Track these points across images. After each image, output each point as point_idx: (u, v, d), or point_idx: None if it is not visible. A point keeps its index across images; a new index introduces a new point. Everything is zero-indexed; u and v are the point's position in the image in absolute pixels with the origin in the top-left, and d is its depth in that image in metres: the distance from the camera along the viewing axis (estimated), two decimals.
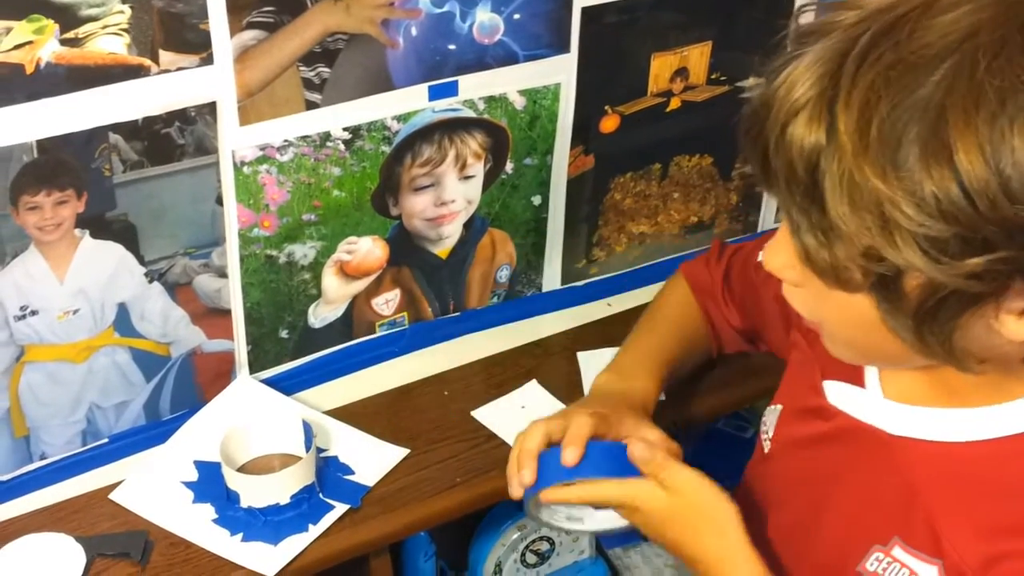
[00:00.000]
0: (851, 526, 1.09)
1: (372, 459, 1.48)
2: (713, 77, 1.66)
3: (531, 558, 1.74)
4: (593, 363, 1.64)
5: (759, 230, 1.87)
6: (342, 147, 1.43)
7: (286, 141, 1.39)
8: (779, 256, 0.97)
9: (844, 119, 0.83)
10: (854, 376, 1.09)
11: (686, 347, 1.47)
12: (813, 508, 1.14)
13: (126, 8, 1.21)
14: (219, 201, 1.39)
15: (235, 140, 1.35)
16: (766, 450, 1.25)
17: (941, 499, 1.00)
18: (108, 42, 1.21)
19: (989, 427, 0.98)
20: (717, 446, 1.95)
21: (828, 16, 0.89)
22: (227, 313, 1.49)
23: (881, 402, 1.06)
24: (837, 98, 0.84)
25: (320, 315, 1.57)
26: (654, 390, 1.37)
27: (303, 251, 1.49)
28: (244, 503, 1.38)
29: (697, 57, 1.62)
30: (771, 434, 1.25)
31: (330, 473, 1.45)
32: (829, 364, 1.09)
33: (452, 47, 1.43)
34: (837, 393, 1.11)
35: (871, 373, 1.08)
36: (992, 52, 0.80)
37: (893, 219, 0.82)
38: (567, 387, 1.61)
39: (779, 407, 1.24)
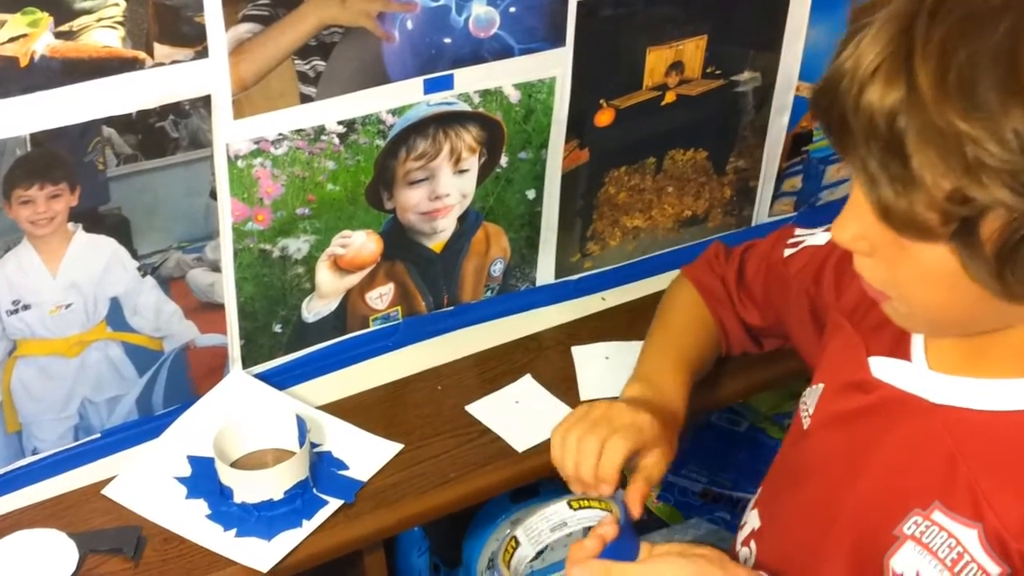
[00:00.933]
0: (890, 489, 1.11)
1: (366, 454, 1.48)
2: (708, 71, 1.65)
3: None
4: (587, 357, 1.64)
5: (753, 224, 1.87)
6: (336, 141, 1.42)
7: (280, 135, 1.38)
8: (849, 228, 0.99)
9: (923, 71, 0.87)
10: (900, 351, 1.13)
11: (703, 350, 1.49)
12: (851, 473, 1.16)
13: (121, 1, 1.20)
14: (213, 195, 1.39)
15: (229, 134, 1.35)
16: (805, 427, 1.27)
17: (982, 465, 1.03)
18: (103, 35, 1.20)
19: None
20: (711, 440, 1.95)
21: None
22: (220, 307, 1.48)
23: (926, 372, 1.09)
24: (914, 52, 0.88)
25: (314, 309, 1.56)
26: (683, 397, 1.39)
27: (297, 245, 1.48)
28: (237, 498, 1.38)
29: (692, 51, 1.61)
30: (811, 411, 1.26)
31: (324, 468, 1.45)
32: (874, 342, 1.15)
33: (447, 41, 1.42)
34: (882, 367, 1.13)
35: (916, 347, 1.11)
36: None
37: (977, 158, 0.85)
38: (561, 381, 1.60)
39: (821, 386, 1.26)
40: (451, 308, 1.69)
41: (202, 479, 1.41)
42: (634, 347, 1.59)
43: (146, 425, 1.48)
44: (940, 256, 0.93)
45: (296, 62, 1.34)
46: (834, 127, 0.94)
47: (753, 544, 1.31)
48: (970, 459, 1.04)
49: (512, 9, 1.44)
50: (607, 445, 1.25)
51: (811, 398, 1.27)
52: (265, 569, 1.32)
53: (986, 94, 0.85)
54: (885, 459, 1.13)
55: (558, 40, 1.50)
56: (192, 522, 1.37)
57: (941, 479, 1.06)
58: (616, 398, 1.37)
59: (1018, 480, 1.01)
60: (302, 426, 1.42)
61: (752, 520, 1.32)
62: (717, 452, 1.93)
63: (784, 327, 1.44)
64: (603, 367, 1.62)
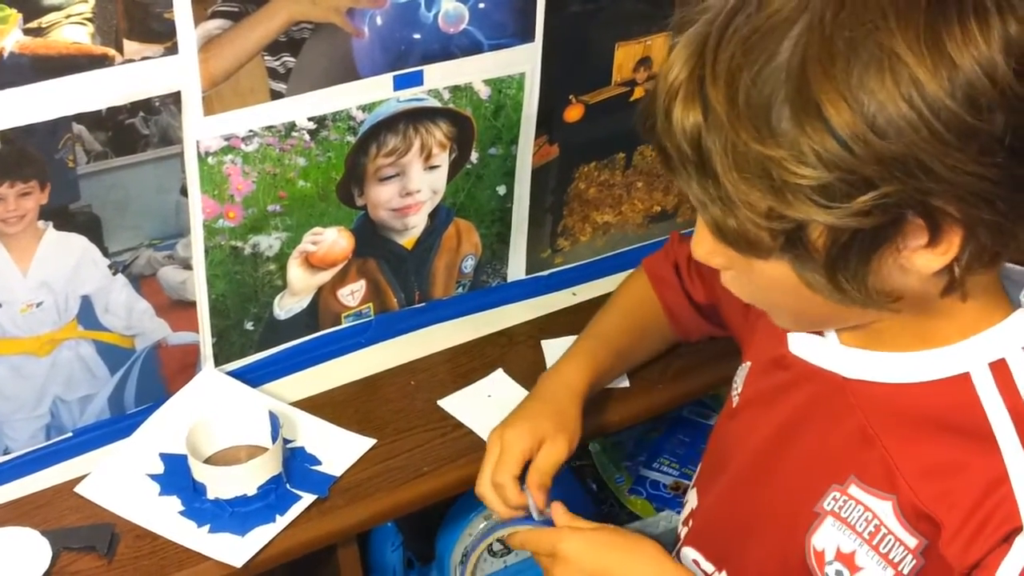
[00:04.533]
0: (810, 467, 1.13)
1: (339, 449, 1.48)
2: None
3: (497, 547, 1.74)
4: (558, 351, 1.64)
5: None
6: (307, 137, 1.42)
7: (251, 131, 1.38)
8: (703, 244, 1.01)
9: (714, 94, 0.89)
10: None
11: (637, 334, 1.51)
12: (775, 452, 1.18)
13: None
14: (184, 192, 1.38)
15: (200, 130, 1.35)
16: (734, 405, 1.29)
17: (892, 437, 1.05)
18: (72, 31, 1.20)
19: (932, 369, 1.02)
20: (682, 432, 1.96)
21: (700, 5, 0.95)
22: (192, 305, 1.48)
23: (837, 347, 1.10)
24: (704, 75, 0.90)
25: (286, 306, 1.56)
26: (583, 380, 1.43)
27: (268, 242, 1.48)
28: (211, 495, 1.38)
29: (660, 46, 1.62)
30: (740, 390, 1.29)
31: (297, 464, 1.45)
32: None
33: (417, 36, 1.42)
34: (798, 342, 1.14)
35: None
36: (834, 7, 0.86)
37: (780, 178, 0.87)
38: (533, 376, 1.59)
39: (748, 364, 1.29)
40: (423, 304, 1.69)
41: (175, 476, 1.41)
42: None
43: (118, 423, 1.48)
44: (780, 267, 0.95)
45: (266, 58, 1.34)
46: (655, 147, 0.97)
47: (692, 523, 1.33)
48: (880, 432, 1.06)
49: (481, 5, 1.44)
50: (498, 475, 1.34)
51: (740, 376, 1.29)
52: (239, 564, 1.32)
53: (779, 114, 0.86)
54: (803, 436, 1.15)
55: (527, 36, 1.51)
56: (165, 519, 1.37)
57: (855, 453, 1.08)
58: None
59: (924, 450, 1.03)
60: (275, 422, 1.42)
61: (691, 499, 1.35)
62: (688, 445, 1.94)
63: (720, 307, 1.45)
64: None
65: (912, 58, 0.84)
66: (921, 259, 0.91)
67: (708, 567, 1.28)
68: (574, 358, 1.46)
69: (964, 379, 1.01)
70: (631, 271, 1.58)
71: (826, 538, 1.11)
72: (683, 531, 1.34)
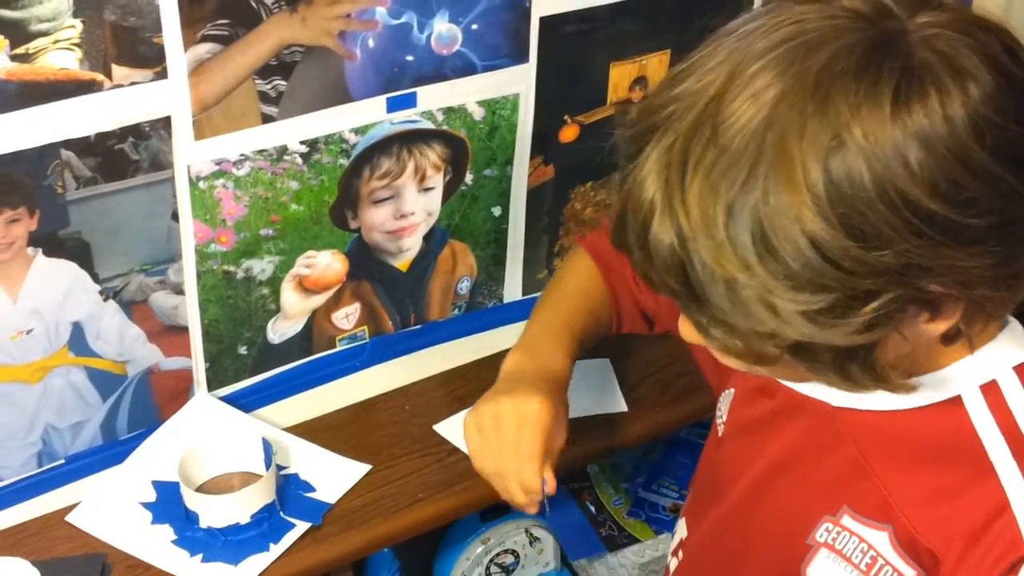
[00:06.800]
0: (800, 498, 1.12)
1: (333, 476, 1.47)
2: None
3: (496, 571, 1.73)
4: None
5: None
6: (299, 161, 1.41)
7: (242, 155, 1.37)
8: (693, 337, 0.98)
9: (689, 228, 0.86)
10: None
11: (592, 321, 1.43)
12: (764, 484, 1.17)
13: (77, 23, 1.18)
14: (175, 217, 1.37)
15: (190, 155, 1.33)
16: (720, 434, 1.28)
17: (886, 466, 1.04)
18: (59, 57, 1.19)
19: (921, 394, 1.00)
20: (681, 454, 1.95)
21: (646, 118, 0.92)
22: (184, 330, 1.46)
23: None
24: (675, 207, 0.87)
25: (279, 330, 1.55)
26: (567, 367, 1.35)
27: (261, 266, 1.47)
28: (204, 523, 1.37)
29: (656, 66, 1.61)
30: (724, 418, 1.27)
31: (291, 491, 1.44)
32: None
33: (410, 58, 1.41)
34: None
35: None
36: (797, 127, 0.83)
37: (775, 305, 0.85)
38: None
39: (732, 391, 1.27)
40: (418, 327, 1.68)
41: (167, 504, 1.40)
42: (597, 364, 1.59)
43: (111, 450, 1.47)
44: (791, 364, 0.93)
45: (257, 82, 1.33)
46: (642, 272, 0.94)
47: (681, 553, 1.32)
48: (873, 461, 1.05)
49: (474, 26, 1.43)
50: (523, 469, 1.24)
51: (724, 403, 1.28)
52: None
53: (759, 242, 0.84)
54: (793, 467, 1.14)
55: (521, 56, 1.50)
56: (158, 548, 1.36)
57: (848, 483, 1.07)
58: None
59: (918, 479, 1.02)
60: (268, 449, 1.41)
61: (680, 529, 1.34)
62: (687, 467, 1.92)
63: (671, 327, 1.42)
64: (569, 386, 1.61)
65: (885, 166, 0.82)
66: (925, 328, 0.91)
67: None
68: (550, 355, 1.35)
69: (956, 403, 1.00)
70: (572, 251, 1.52)
71: (822, 570, 1.09)
72: (672, 562, 1.33)
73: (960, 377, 1.00)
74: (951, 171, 0.82)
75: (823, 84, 0.84)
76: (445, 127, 1.50)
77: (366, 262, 1.56)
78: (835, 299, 0.84)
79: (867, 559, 1.05)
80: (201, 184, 1.36)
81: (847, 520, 1.07)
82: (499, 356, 1.66)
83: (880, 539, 1.04)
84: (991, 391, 0.99)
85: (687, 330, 0.98)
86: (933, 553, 1.00)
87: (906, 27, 0.86)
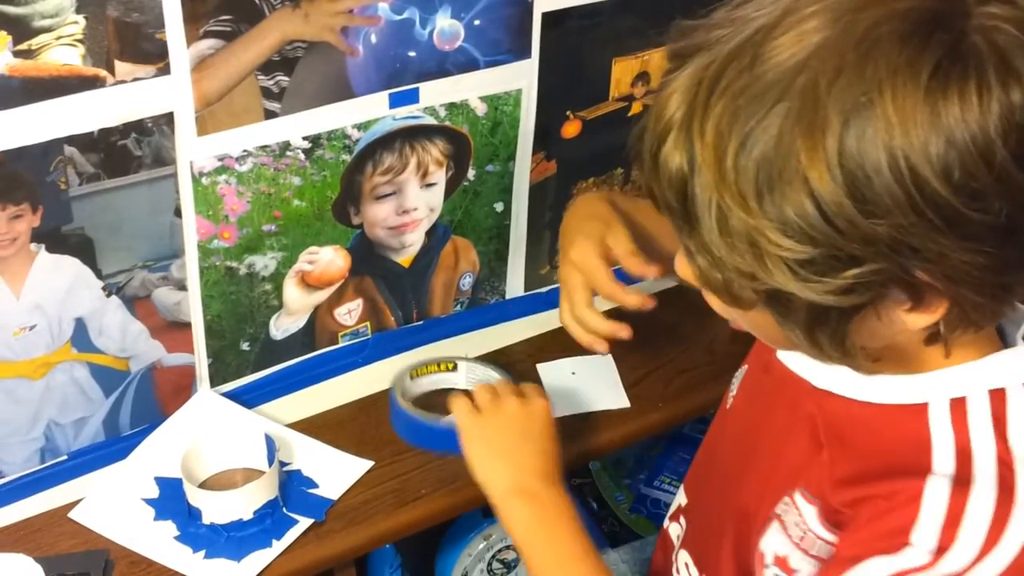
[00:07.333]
0: (772, 471, 1.13)
1: (336, 472, 1.47)
2: None
3: (497, 567, 1.73)
4: (553, 374, 1.64)
5: None
6: (302, 156, 1.41)
7: (245, 151, 1.37)
8: (684, 271, 0.98)
9: (700, 150, 0.87)
10: None
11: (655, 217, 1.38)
12: (749, 453, 1.19)
13: (80, 19, 1.18)
14: (177, 213, 1.37)
15: (193, 151, 1.33)
16: (728, 406, 1.30)
17: (835, 447, 1.05)
18: (62, 53, 1.19)
19: (893, 393, 1.01)
20: (683, 450, 1.95)
21: (696, 35, 0.92)
22: (187, 326, 1.46)
23: None
24: (693, 128, 0.87)
25: (282, 326, 1.55)
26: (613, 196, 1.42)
27: (264, 262, 1.47)
28: (206, 519, 1.36)
29: (658, 61, 1.61)
30: (734, 392, 1.29)
31: (293, 487, 1.43)
32: None
33: (412, 54, 1.41)
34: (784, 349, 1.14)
35: None
36: (830, 75, 0.83)
37: (760, 245, 0.85)
38: None
39: (745, 367, 1.29)
40: (421, 323, 1.68)
41: (170, 500, 1.40)
42: (599, 360, 1.59)
43: (113, 446, 1.47)
44: (762, 315, 0.93)
45: (259, 78, 1.33)
46: (646, 186, 0.94)
47: (682, 519, 1.34)
48: (829, 442, 1.06)
49: (477, 22, 1.43)
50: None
51: (737, 378, 1.30)
52: None
53: (764, 181, 0.84)
54: (771, 440, 1.15)
55: (523, 52, 1.50)
56: (160, 544, 1.36)
57: (808, 459, 1.08)
58: None
59: (858, 466, 1.03)
60: (271, 445, 1.41)
61: (680, 497, 1.36)
62: (688, 463, 1.92)
63: None
64: (570, 383, 1.62)
65: (905, 136, 0.81)
66: (905, 318, 0.90)
67: (695, 572, 1.29)
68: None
69: (921, 411, 0.99)
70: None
71: (769, 542, 1.11)
72: (672, 526, 1.36)
73: (933, 387, 0.99)
74: (968, 161, 0.81)
75: (868, 39, 0.83)
76: (447, 123, 1.50)
77: (368, 258, 1.56)
78: (819, 254, 0.84)
79: (799, 531, 1.07)
80: (204, 180, 1.36)
81: (797, 495, 1.08)
82: (501, 352, 1.68)
83: (811, 513, 1.06)
84: (958, 407, 0.98)
85: (680, 262, 0.98)
86: (846, 516, 1.02)
87: (970, 10, 0.84)
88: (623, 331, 1.33)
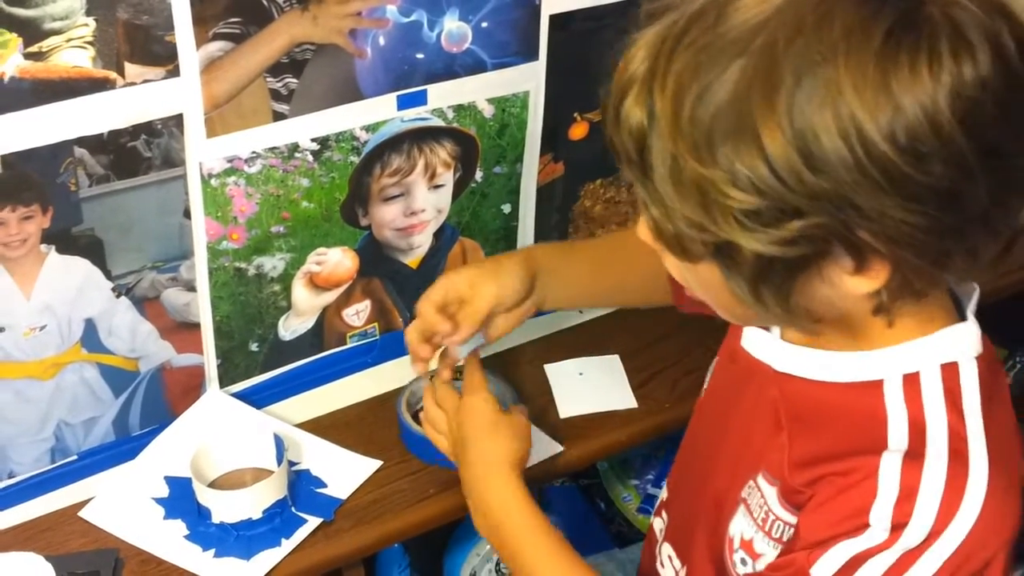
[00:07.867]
0: (740, 457, 1.15)
1: (345, 472, 1.47)
2: None
3: (505, 568, 1.73)
4: (561, 374, 1.64)
5: None
6: (310, 158, 1.42)
7: (254, 153, 1.38)
8: (644, 231, 1.00)
9: (660, 102, 0.89)
10: None
11: (625, 264, 1.43)
12: (718, 442, 1.20)
13: (90, 21, 1.19)
14: (187, 214, 1.38)
15: (202, 152, 1.34)
16: (701, 395, 1.32)
17: (795, 428, 1.07)
18: (72, 55, 1.20)
19: (850, 371, 1.02)
20: None
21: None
22: (196, 327, 1.47)
23: (776, 341, 1.10)
24: (655, 81, 0.89)
25: (290, 327, 1.55)
26: (547, 251, 1.43)
27: (272, 263, 1.48)
28: (216, 519, 1.37)
29: None
30: (707, 385, 1.32)
31: (302, 487, 1.44)
32: None
33: (420, 56, 1.42)
34: (748, 336, 1.14)
35: None
36: (788, 34, 0.85)
37: (710, 195, 0.87)
38: (538, 396, 1.61)
39: (717, 358, 1.31)
40: None
41: (180, 500, 1.41)
42: (606, 361, 1.60)
43: (123, 446, 1.48)
44: (711, 270, 0.94)
45: (268, 80, 1.34)
46: (609, 139, 0.96)
47: (664, 513, 1.36)
48: (789, 423, 1.07)
49: (484, 24, 1.44)
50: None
51: (710, 372, 1.32)
52: None
53: (718, 136, 0.86)
54: (739, 427, 1.16)
55: (531, 54, 1.50)
56: (170, 543, 1.37)
57: (770, 443, 1.09)
58: None
59: (816, 446, 1.04)
60: (280, 444, 1.42)
61: (663, 492, 1.38)
62: None
63: None
64: (578, 383, 1.62)
65: (855, 97, 0.83)
66: (848, 281, 0.91)
67: (677, 564, 1.30)
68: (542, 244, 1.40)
69: (877, 387, 1.01)
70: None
71: (737, 526, 1.13)
72: (656, 522, 1.37)
73: (888, 363, 1.01)
74: (915, 127, 0.83)
75: (827, 1, 0.85)
76: (455, 124, 1.50)
77: (376, 259, 1.56)
78: (765, 206, 0.86)
79: (762, 513, 1.09)
80: (213, 181, 1.37)
81: (760, 478, 1.09)
82: (508, 352, 1.68)
83: (771, 494, 1.08)
84: (911, 383, 1.00)
85: (640, 224, 0.99)
86: (805, 498, 1.03)
87: None
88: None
